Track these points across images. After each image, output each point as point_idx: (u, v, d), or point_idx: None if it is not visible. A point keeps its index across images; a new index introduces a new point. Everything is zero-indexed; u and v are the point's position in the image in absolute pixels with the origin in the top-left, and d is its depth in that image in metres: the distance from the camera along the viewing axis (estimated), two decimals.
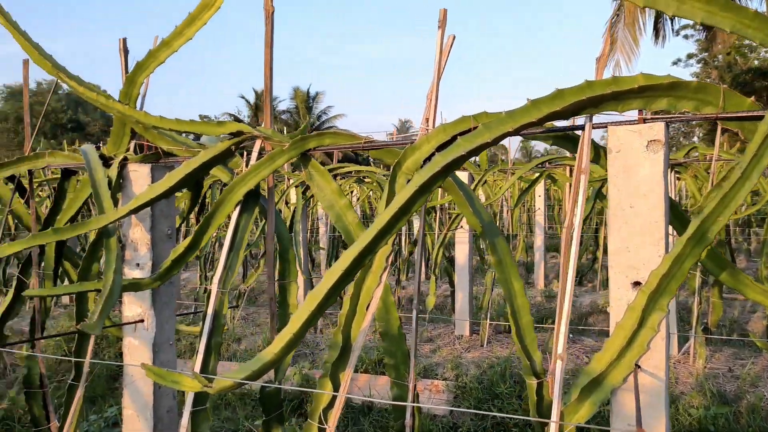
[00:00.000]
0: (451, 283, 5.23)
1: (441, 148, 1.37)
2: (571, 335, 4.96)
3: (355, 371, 2.77)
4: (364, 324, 1.45)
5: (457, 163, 1.19)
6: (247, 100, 49.41)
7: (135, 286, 1.68)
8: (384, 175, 5.28)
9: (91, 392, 4.38)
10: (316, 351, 4.75)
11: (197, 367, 1.60)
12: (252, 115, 47.03)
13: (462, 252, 4.72)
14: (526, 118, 1.16)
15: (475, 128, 1.25)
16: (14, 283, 2.19)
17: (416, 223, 7.58)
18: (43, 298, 2.22)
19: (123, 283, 1.65)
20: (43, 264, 2.21)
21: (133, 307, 1.89)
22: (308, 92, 45.11)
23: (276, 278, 1.80)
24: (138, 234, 1.85)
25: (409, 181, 1.45)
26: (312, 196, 5.58)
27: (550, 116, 1.17)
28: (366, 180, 5.96)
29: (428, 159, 1.42)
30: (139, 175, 1.86)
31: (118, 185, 1.87)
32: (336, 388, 1.45)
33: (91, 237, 2.02)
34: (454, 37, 1.46)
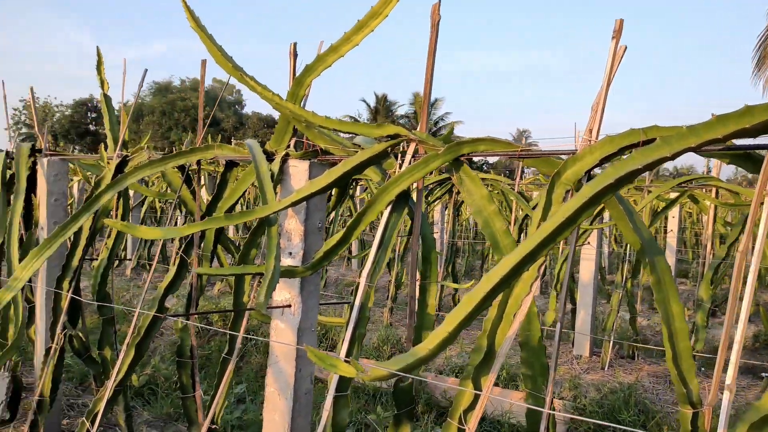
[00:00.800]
0: (572, 301, 5.04)
1: (604, 160, 1.34)
2: (702, 368, 4.60)
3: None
4: (510, 331, 1.46)
5: (631, 176, 1.16)
6: (367, 104, 50.78)
7: (290, 273, 1.80)
8: (509, 185, 5.22)
9: (216, 369, 4.73)
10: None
11: (342, 356, 1.69)
12: (371, 118, 48.28)
13: (587, 269, 4.54)
14: (711, 134, 1.11)
15: (647, 142, 1.22)
16: (177, 261, 2.44)
17: None
18: (200, 276, 2.44)
19: (259, 270, 1.79)
20: (202, 245, 2.43)
21: (283, 292, 2.03)
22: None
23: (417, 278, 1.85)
24: (292, 225, 1.98)
25: (568, 191, 1.44)
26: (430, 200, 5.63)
27: (737, 133, 1.11)
28: (489, 188, 5.91)
29: (589, 171, 1.41)
30: (298, 171, 2.00)
31: (279, 179, 2.01)
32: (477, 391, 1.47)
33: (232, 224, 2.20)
34: (626, 48, 1.42)
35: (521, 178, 5.16)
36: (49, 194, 2.91)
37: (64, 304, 2.63)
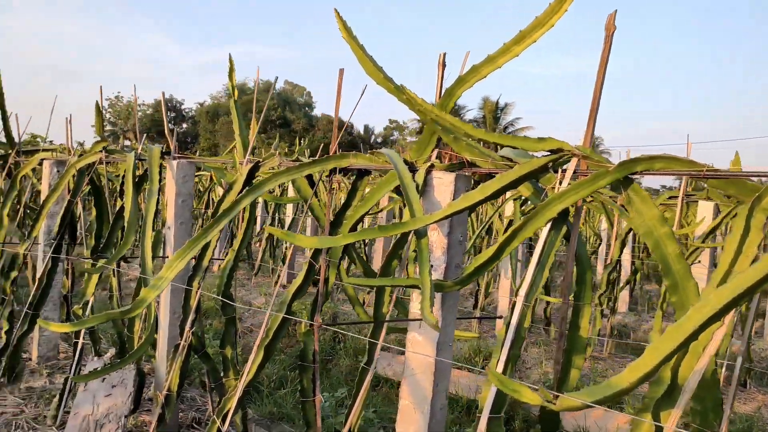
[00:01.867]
0: None
1: None
2: None
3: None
4: (698, 365, 1.36)
5: None
6: None
7: (439, 287, 1.77)
8: (611, 197, 5.00)
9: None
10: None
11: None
12: None
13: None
14: None
15: None
16: (305, 267, 2.47)
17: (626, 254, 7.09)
18: (326, 282, 2.46)
19: (411, 283, 1.76)
20: (329, 252, 2.45)
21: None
22: (497, 103, 44.72)
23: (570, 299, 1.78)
24: (435, 238, 1.96)
25: None
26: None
27: None
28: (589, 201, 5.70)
29: None
30: (443, 183, 1.97)
31: (422, 190, 1.99)
32: (658, 425, 1.39)
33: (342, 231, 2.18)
34: None
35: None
36: (177, 195, 3.02)
37: (193, 303, 2.72)
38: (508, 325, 1.68)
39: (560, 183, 1.71)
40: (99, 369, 2.95)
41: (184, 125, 58.69)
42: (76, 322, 2.22)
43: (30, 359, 4.15)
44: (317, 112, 59.96)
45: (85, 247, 3.97)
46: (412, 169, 2.05)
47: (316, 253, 2.46)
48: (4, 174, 4.68)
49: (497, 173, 1.91)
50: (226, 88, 56.94)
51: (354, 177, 2.43)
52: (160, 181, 3.03)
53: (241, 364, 3.54)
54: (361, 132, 57.95)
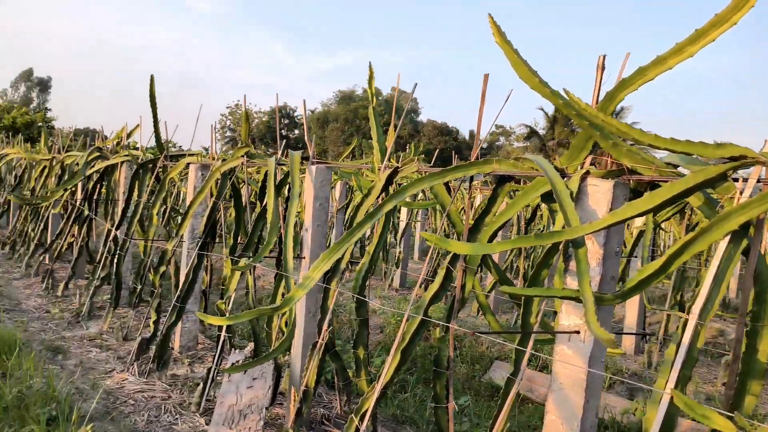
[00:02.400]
0: None
1: None
2: None
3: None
4: None
5: None
6: (545, 112, 49.07)
7: (600, 299, 1.69)
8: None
9: (424, 374, 4.79)
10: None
11: (665, 400, 1.54)
12: (549, 126, 46.56)
13: None
14: None
15: None
16: (442, 273, 2.47)
17: None
18: (463, 288, 2.44)
19: (567, 294, 1.70)
20: (468, 259, 2.43)
21: (571, 317, 1.93)
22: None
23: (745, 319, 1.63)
24: (589, 247, 1.88)
25: None
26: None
27: None
28: None
29: None
30: (599, 191, 1.89)
31: (576, 198, 1.92)
32: None
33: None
34: None
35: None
36: (315, 199, 3.14)
37: (331, 303, 2.81)
38: (678, 344, 1.57)
39: (741, 193, 1.58)
40: (243, 362, 3.13)
41: (296, 131, 61.31)
42: (232, 316, 2.37)
43: (173, 348, 4.49)
44: (422, 117, 60.33)
45: (224, 245, 4.25)
46: (563, 176, 1.98)
47: (454, 259, 2.45)
48: (153, 177, 5.13)
49: (662, 181, 1.80)
50: (335, 96, 58.85)
51: (495, 184, 2.39)
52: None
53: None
54: (467, 138, 57.54)
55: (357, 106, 55.33)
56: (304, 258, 3.17)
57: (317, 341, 2.82)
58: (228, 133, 57.13)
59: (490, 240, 2.23)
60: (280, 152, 3.57)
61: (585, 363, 1.88)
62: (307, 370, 2.79)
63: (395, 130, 2.82)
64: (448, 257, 2.45)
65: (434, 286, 2.46)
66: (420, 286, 7.34)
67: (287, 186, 3.51)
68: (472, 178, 2.39)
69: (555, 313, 2.17)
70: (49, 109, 36.67)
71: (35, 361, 3.83)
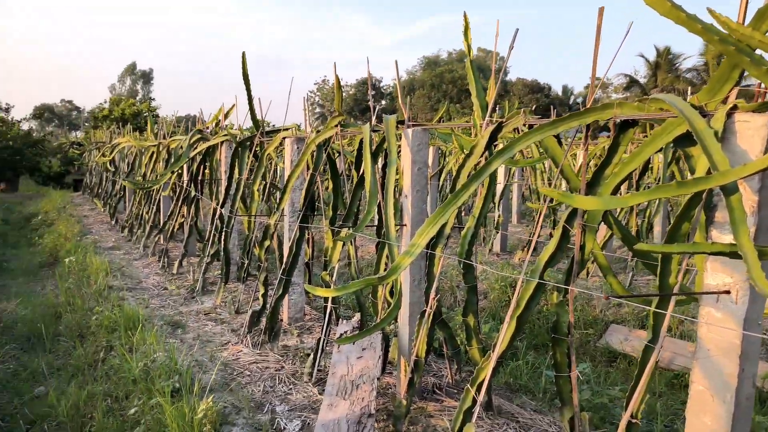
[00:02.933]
0: None
1: None
2: None
3: None
4: None
5: None
6: (646, 59, 45.67)
7: (763, 253, 1.45)
8: None
9: (533, 340, 4.59)
10: None
11: None
12: (651, 74, 43.35)
13: None
14: None
15: None
16: (558, 232, 2.27)
17: None
18: (582, 248, 2.24)
19: (719, 249, 1.46)
20: (586, 216, 2.22)
21: (719, 275, 1.69)
22: None
23: None
24: (742, 194, 1.61)
25: None
26: None
27: None
28: None
29: None
30: (750, 127, 1.61)
31: (722, 137, 1.65)
32: None
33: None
34: None
35: None
36: (413, 163, 3.01)
37: (437, 270, 2.70)
38: None
39: None
40: (351, 333, 3.11)
41: (383, 102, 61.33)
42: (338, 287, 2.33)
43: (282, 320, 4.60)
44: (511, 77, 58.26)
45: (324, 217, 4.25)
46: (703, 115, 1.72)
47: (570, 217, 2.24)
48: (251, 154, 5.22)
49: None
50: (420, 62, 58.01)
51: (617, 131, 2.14)
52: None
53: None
54: (559, 93, 54.93)
55: (442, 71, 54.25)
56: (405, 225, 3.06)
57: (425, 310, 2.73)
58: (317, 109, 58.21)
59: (613, 194, 2.01)
60: (374, 118, 3.46)
61: (739, 326, 1.64)
62: (417, 339, 2.71)
63: (495, 84, 2.62)
64: (564, 216, 2.25)
65: (550, 248, 2.27)
66: (523, 249, 7.12)
67: (383, 153, 3.41)
68: (588, 128, 2.15)
69: (684, 273, 1.92)
70: (153, 99, 39.11)
71: (157, 336, 4.05)
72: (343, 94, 55.77)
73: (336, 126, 3.72)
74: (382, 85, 62.22)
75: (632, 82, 44.09)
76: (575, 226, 2.22)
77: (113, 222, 10.84)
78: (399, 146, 3.19)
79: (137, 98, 41.82)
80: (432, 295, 2.70)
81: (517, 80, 56.51)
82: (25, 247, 9.75)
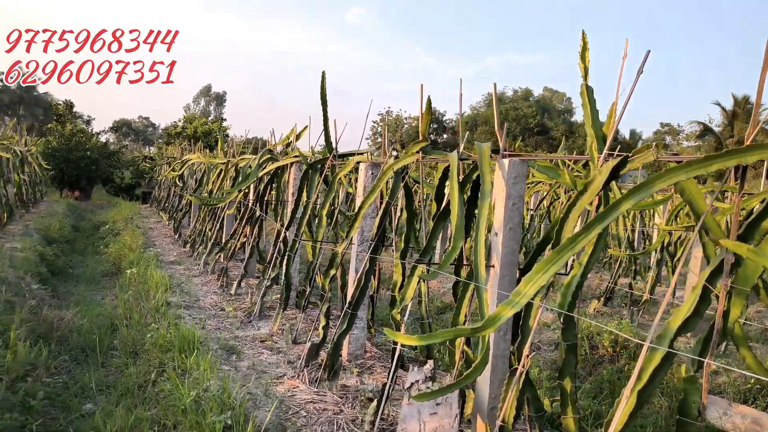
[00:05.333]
0: None
1: None
2: None
3: None
4: None
5: None
6: (722, 107, 43.84)
7: None
8: None
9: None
10: None
11: None
12: (726, 123, 41.47)
13: None
14: None
15: None
16: (693, 294, 1.88)
17: None
18: (725, 316, 1.83)
19: None
20: (736, 276, 1.82)
21: None
22: None
23: None
24: None
25: None
26: None
27: None
28: None
29: None
30: None
31: None
32: None
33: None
34: None
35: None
36: (508, 197, 2.69)
37: (533, 322, 2.33)
38: None
39: None
40: (426, 386, 2.77)
41: (445, 135, 61.23)
42: (426, 336, 2.01)
43: (341, 356, 4.30)
44: (577, 117, 57.15)
45: (395, 249, 3.95)
46: None
47: (714, 275, 1.85)
48: (320, 177, 5.02)
49: None
50: (484, 99, 57.81)
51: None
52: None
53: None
54: (627, 137, 53.30)
55: (506, 108, 53.80)
56: (493, 267, 2.72)
57: (516, 368, 2.36)
58: (379, 139, 58.63)
59: None
60: (461, 145, 3.16)
61: None
62: (505, 402, 2.34)
63: (617, 113, 2.27)
64: (705, 273, 1.85)
65: (683, 311, 1.88)
66: (599, 299, 6.50)
67: (468, 186, 3.09)
68: (745, 170, 1.77)
69: None
70: (225, 119, 40.40)
71: (211, 363, 3.82)
72: (406, 126, 56.12)
73: (417, 152, 3.44)
74: (445, 119, 62.22)
75: (706, 130, 42.28)
76: (719, 287, 1.83)
77: (176, 236, 10.93)
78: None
79: (209, 118, 43.41)
80: (526, 351, 2.32)
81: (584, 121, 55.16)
82: (91, 255, 9.92)
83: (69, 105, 25.88)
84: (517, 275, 2.73)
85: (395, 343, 3.26)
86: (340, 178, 4.77)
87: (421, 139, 3.30)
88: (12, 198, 10.82)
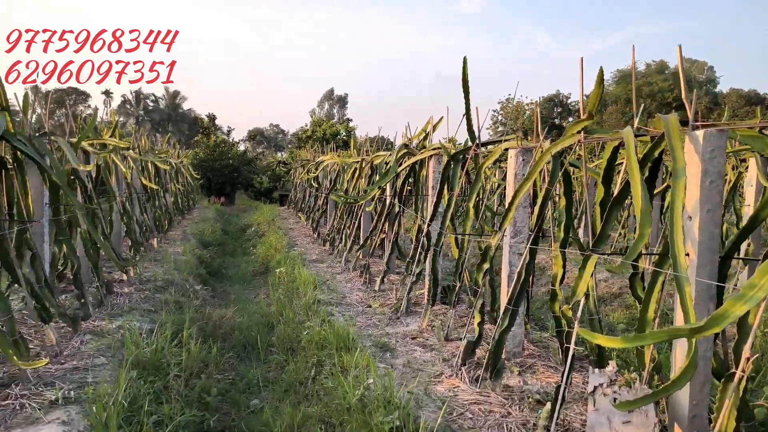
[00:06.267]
0: None
1: None
2: None
3: None
4: None
5: None
6: None
7: None
8: None
9: None
10: None
11: None
12: None
13: None
14: None
15: None
16: None
17: None
18: None
19: None
20: None
21: None
22: None
23: None
24: None
25: None
26: None
27: None
28: None
29: None
30: None
31: None
32: None
33: None
34: None
35: None
36: (704, 174, 2.32)
37: (755, 321, 1.97)
38: None
39: None
40: (610, 385, 2.49)
41: (570, 118, 58.21)
42: (631, 337, 1.76)
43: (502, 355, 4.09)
44: (722, 87, 51.65)
45: (553, 239, 3.67)
46: None
47: None
48: (463, 170, 4.84)
49: None
50: (614, 76, 54.10)
51: None
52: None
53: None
54: None
55: (640, 84, 49.82)
56: (688, 255, 2.37)
57: (733, 372, 2.01)
58: (500, 128, 57.15)
59: None
60: (636, 120, 2.81)
61: None
62: (720, 412, 2.00)
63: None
64: None
65: None
66: None
67: (647, 166, 2.74)
68: None
69: None
70: (351, 120, 41.57)
71: (368, 360, 3.80)
72: (527, 112, 54.04)
73: (579, 132, 3.13)
74: (569, 101, 59.19)
75: None
76: None
77: (315, 235, 11.33)
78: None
79: (333, 120, 44.97)
80: (746, 353, 1.97)
81: (731, 91, 49.83)
82: (241, 256, 10.57)
83: (212, 118, 28.04)
84: (718, 264, 2.36)
85: (567, 341, 2.99)
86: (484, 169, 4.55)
87: (585, 117, 2.99)
88: (171, 206, 11.85)
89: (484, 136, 4.72)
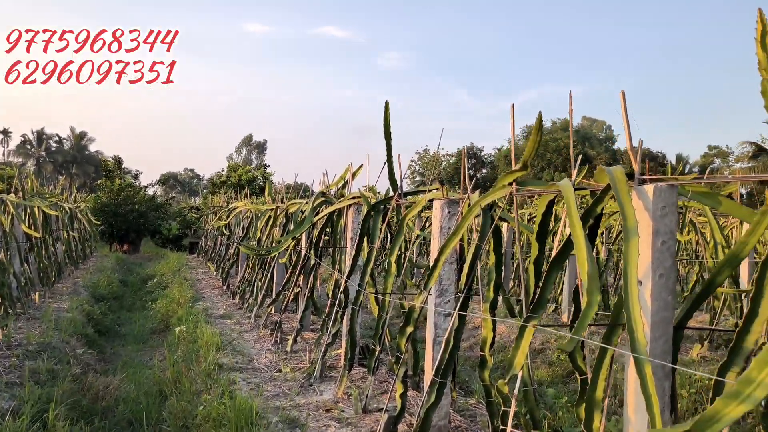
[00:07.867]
0: None
1: None
2: None
3: None
4: None
5: None
6: None
7: None
8: None
9: None
10: None
11: None
12: None
13: None
14: None
15: None
16: None
17: None
18: None
19: None
20: None
21: None
22: None
23: None
24: None
25: None
26: None
27: None
28: None
29: None
30: None
31: None
32: None
33: None
34: None
35: None
36: (655, 234, 2.07)
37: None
38: None
39: None
40: None
41: (484, 170, 60.44)
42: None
43: None
44: (619, 145, 55.65)
45: (482, 299, 3.34)
46: None
47: None
48: (384, 221, 4.49)
49: None
50: (523, 131, 57.08)
51: None
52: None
53: None
54: (673, 162, 51.37)
55: (546, 140, 52.72)
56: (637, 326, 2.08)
57: None
58: (417, 178, 58.34)
59: None
60: (574, 172, 2.57)
61: None
62: None
63: None
64: None
65: None
66: (702, 343, 5.61)
67: (588, 224, 2.48)
68: None
69: None
70: (268, 166, 40.73)
71: None
72: (444, 163, 55.61)
73: (510, 184, 2.87)
74: (482, 153, 61.45)
75: (760, 150, 40.29)
76: None
77: (225, 287, 10.55)
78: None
79: (251, 166, 43.96)
80: None
81: (627, 150, 53.68)
82: (140, 311, 9.60)
83: (118, 161, 26.48)
84: (672, 336, 2.10)
85: (501, 422, 2.62)
86: (408, 220, 4.22)
87: (519, 167, 2.72)
88: (61, 256, 10.69)
89: (404, 186, 4.42)
